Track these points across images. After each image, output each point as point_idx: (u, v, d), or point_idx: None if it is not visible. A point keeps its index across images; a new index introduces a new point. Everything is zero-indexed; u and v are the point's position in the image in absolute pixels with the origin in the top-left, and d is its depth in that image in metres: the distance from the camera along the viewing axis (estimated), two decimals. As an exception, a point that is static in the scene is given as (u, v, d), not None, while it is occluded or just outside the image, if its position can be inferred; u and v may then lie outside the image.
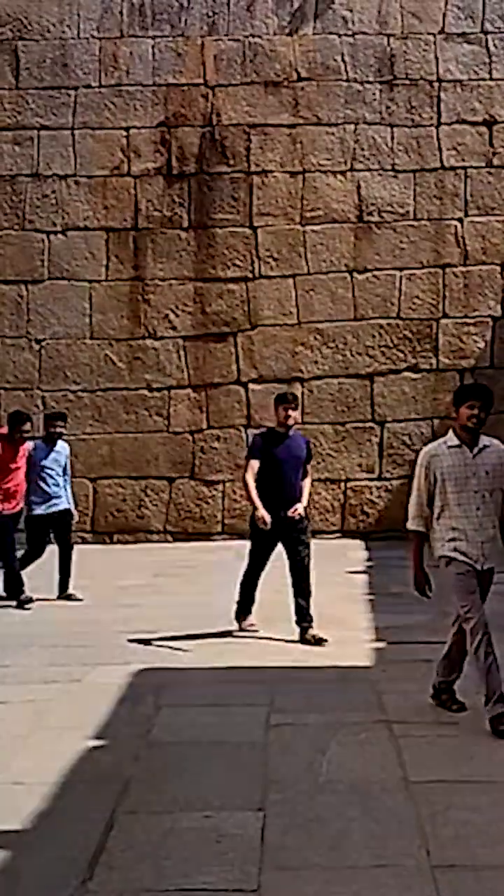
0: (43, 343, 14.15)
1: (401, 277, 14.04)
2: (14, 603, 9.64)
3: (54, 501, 10.14)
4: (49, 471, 10.12)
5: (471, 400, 5.97)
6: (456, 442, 5.99)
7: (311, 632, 7.98)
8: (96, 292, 14.14)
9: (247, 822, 4.51)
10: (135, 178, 14.19)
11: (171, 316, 14.10)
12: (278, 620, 8.22)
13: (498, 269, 14.05)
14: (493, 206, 14.05)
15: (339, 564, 11.36)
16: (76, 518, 10.71)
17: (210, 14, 14.20)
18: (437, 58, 14.11)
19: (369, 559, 12.23)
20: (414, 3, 14.13)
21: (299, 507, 8.17)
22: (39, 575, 10.03)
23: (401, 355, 14.02)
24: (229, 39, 14.20)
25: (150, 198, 14.16)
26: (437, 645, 6.63)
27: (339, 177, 14.11)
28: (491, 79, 14.11)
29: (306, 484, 8.42)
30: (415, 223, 14.06)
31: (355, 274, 14.06)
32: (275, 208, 14.11)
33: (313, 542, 8.44)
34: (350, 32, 14.15)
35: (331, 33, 14.16)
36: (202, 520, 14.02)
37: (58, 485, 10.20)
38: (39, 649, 7.87)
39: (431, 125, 14.11)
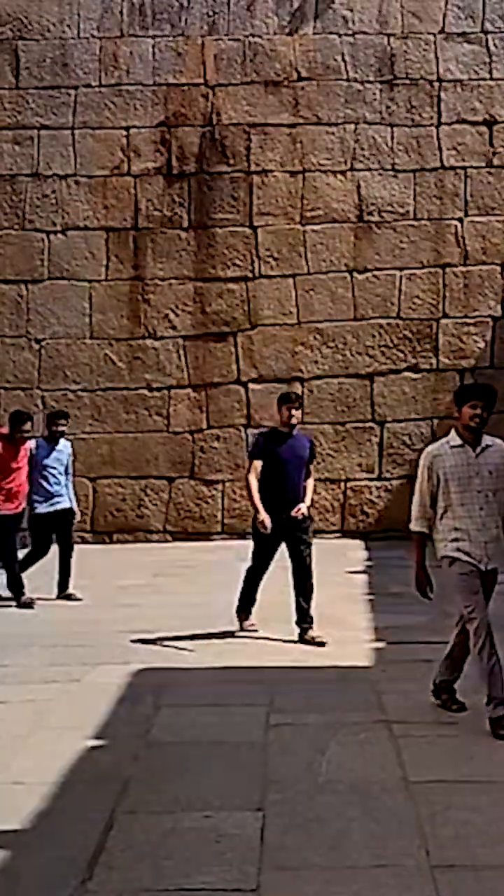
0: (43, 343, 14.15)
1: (401, 277, 14.04)
2: (15, 603, 9.64)
3: (56, 500, 10.12)
4: (51, 469, 10.11)
5: (473, 399, 5.96)
6: (458, 442, 5.98)
7: (311, 633, 7.96)
8: (96, 292, 14.14)
9: (246, 822, 4.50)
10: (135, 178, 14.19)
11: (171, 316, 14.10)
12: (278, 621, 8.21)
13: (498, 269, 14.05)
14: (493, 206, 14.05)
15: (339, 564, 11.34)
16: (78, 517, 10.70)
17: (210, 14, 14.20)
18: (437, 57, 14.12)
19: (369, 559, 12.23)
20: (414, 3, 14.13)
21: (303, 507, 8.13)
22: (39, 575, 10.02)
23: (401, 355, 14.02)
24: (229, 39, 14.21)
25: (150, 197, 14.16)
26: (438, 645, 6.62)
27: (339, 176, 14.11)
28: (491, 78, 14.12)
29: (310, 484, 8.37)
30: (415, 223, 14.06)
31: (355, 274, 14.06)
32: (275, 208, 14.10)
33: (313, 542, 8.42)
34: (350, 32, 14.15)
35: (331, 33, 14.17)
36: (202, 519, 14.02)
37: (60, 483, 10.18)
38: (39, 649, 7.86)
39: (431, 125, 14.11)
